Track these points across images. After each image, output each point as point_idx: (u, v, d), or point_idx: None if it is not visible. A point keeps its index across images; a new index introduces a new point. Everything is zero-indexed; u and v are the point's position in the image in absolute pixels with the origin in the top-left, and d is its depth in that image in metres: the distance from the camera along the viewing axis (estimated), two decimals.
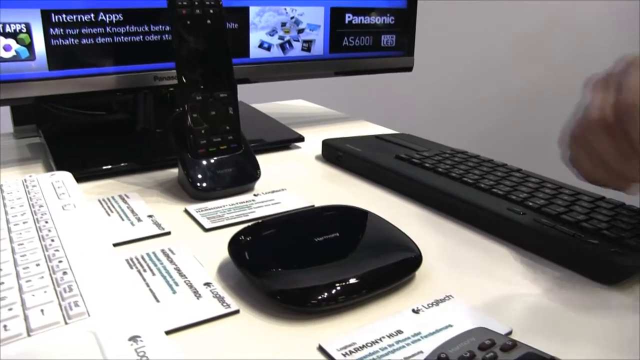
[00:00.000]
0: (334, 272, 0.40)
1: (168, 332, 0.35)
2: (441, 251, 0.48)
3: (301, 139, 0.75)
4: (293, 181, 0.63)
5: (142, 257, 0.44)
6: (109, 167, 0.63)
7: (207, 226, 0.50)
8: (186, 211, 0.54)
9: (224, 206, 0.54)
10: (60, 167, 0.59)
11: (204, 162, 0.57)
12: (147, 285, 0.40)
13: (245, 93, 0.89)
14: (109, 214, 0.52)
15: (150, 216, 0.52)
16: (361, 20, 0.81)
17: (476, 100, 1.71)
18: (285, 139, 0.75)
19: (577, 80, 0.49)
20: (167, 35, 0.67)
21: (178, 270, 0.42)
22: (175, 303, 0.38)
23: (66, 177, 0.55)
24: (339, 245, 0.43)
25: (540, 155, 1.76)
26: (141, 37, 0.66)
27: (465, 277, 0.44)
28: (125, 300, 0.35)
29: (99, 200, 0.55)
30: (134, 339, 0.31)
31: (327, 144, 0.70)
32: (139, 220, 0.51)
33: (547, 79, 1.84)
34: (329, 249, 0.42)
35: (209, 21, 0.57)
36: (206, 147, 0.57)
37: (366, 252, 0.43)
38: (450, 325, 0.38)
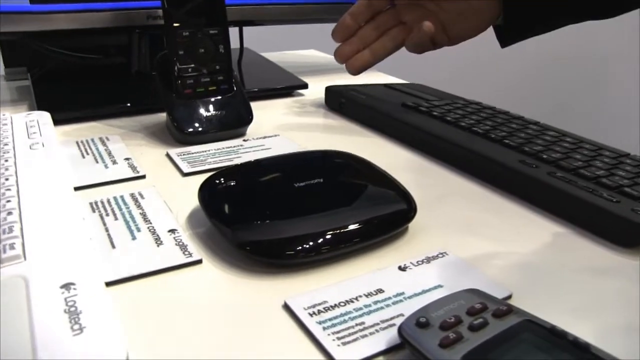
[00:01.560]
0: (313, 222, 0.36)
1: (117, 281, 0.32)
2: (440, 204, 0.43)
3: (304, 85, 0.70)
4: (289, 127, 0.58)
5: (108, 201, 0.40)
6: (93, 109, 0.58)
7: (185, 170, 0.46)
8: (167, 155, 0.50)
9: (208, 150, 0.50)
10: (41, 108, 0.56)
11: (191, 104, 0.53)
12: (107, 230, 0.36)
13: (256, 41, 0.84)
14: (83, 156, 0.48)
15: (127, 159, 0.48)
16: None
17: (504, 55, 1.61)
18: (287, 86, 0.70)
19: None
20: None
21: (144, 215, 0.38)
22: (132, 250, 0.35)
23: (43, 116, 0.51)
24: (322, 193, 0.38)
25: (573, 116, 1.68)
26: None
27: (465, 233, 0.39)
28: (71, 245, 0.31)
29: (77, 142, 0.52)
30: (66, 286, 0.27)
31: (330, 90, 0.65)
32: (114, 162, 0.47)
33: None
34: (310, 196, 0.38)
35: None
36: (193, 88, 0.53)
37: (352, 201, 0.38)
38: (440, 286, 0.33)
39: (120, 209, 0.39)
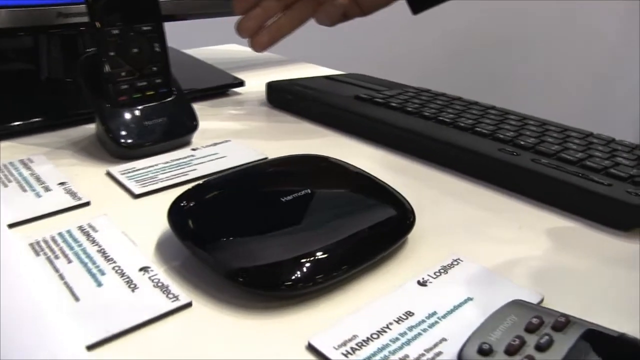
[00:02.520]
0: (314, 241, 0.31)
1: (93, 346, 0.25)
2: (429, 205, 0.39)
3: (241, 83, 0.64)
4: (237, 131, 0.53)
5: (53, 239, 0.33)
6: (3, 125, 0.49)
7: (136, 191, 0.39)
8: (109, 174, 0.43)
9: (156, 165, 0.44)
10: None
11: (127, 113, 0.46)
12: (61, 277, 0.30)
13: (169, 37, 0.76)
14: (5, 184, 0.40)
15: (62, 184, 0.40)
16: None
17: (425, 38, 1.62)
18: (222, 84, 0.64)
19: None
20: None
21: (103, 252, 0.32)
22: (101, 300, 0.28)
23: None
24: (312, 206, 0.34)
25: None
26: None
27: (467, 235, 0.36)
28: (24, 301, 0.24)
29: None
30: None
31: (272, 87, 0.60)
32: (47, 189, 0.39)
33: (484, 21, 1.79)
34: (300, 211, 0.33)
35: None
36: (129, 94, 0.46)
37: (348, 212, 0.34)
38: (470, 299, 0.29)
39: (72, 248, 0.32)
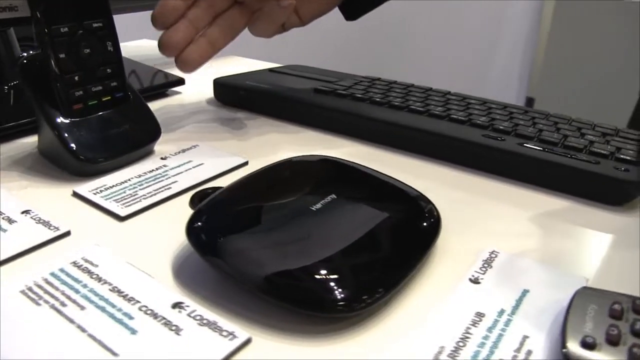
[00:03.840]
0: (358, 251, 0.28)
1: None
2: (433, 198, 0.37)
3: (181, 81, 0.59)
4: (198, 134, 0.48)
5: (47, 282, 0.28)
6: None
7: (121, 213, 0.35)
8: (77, 195, 0.37)
9: (129, 180, 0.39)
10: None
11: (85, 123, 0.40)
12: (82, 329, 0.25)
13: None
14: None
15: (25, 212, 0.34)
16: None
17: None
18: (162, 84, 0.58)
19: None
20: None
21: (118, 291, 0.27)
22: (145, 350, 0.24)
23: None
24: (343, 212, 0.31)
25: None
26: None
27: (484, 225, 0.36)
28: None
29: None
30: None
31: (221, 84, 0.56)
32: (10, 221, 0.33)
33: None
34: (332, 219, 0.30)
35: None
36: (84, 101, 0.40)
37: (380, 216, 0.32)
38: (527, 291, 0.29)
39: (77, 291, 0.27)
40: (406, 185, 0.35)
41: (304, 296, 0.26)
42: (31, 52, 0.40)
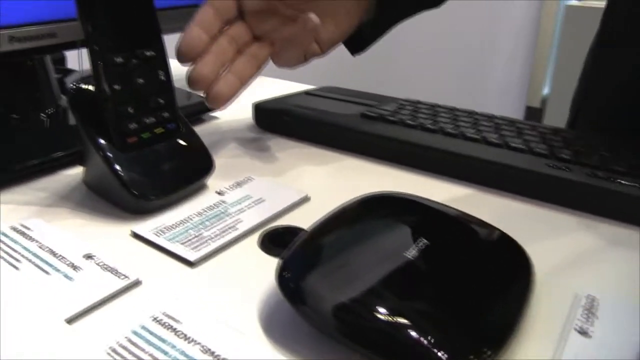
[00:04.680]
0: (466, 303, 0.27)
1: None
2: (511, 234, 0.36)
3: None
4: (248, 164, 0.46)
5: (132, 342, 0.26)
6: None
7: (192, 258, 0.32)
8: (136, 235, 0.35)
9: (190, 219, 0.37)
10: None
11: (140, 157, 0.38)
12: None
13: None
14: (15, 267, 0.31)
15: (88, 256, 0.32)
16: None
17: None
18: (200, 109, 0.56)
19: None
20: None
21: (210, 352, 0.25)
22: None
23: None
24: (440, 259, 0.29)
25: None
26: None
27: (564, 261, 0.34)
28: None
29: None
30: None
31: (261, 109, 0.54)
32: (75, 268, 0.31)
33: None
34: (432, 267, 0.29)
35: None
36: (137, 134, 0.38)
37: (478, 261, 0.30)
38: None
39: (166, 353, 0.25)
40: (488, 224, 0.34)
41: (411, 354, 0.24)
42: (81, 84, 0.38)
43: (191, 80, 0.42)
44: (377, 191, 0.36)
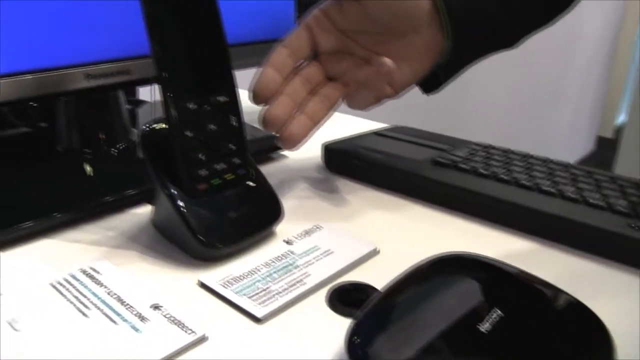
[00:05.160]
0: None
1: None
2: (587, 302, 0.33)
3: None
4: (316, 211, 0.46)
5: None
6: (39, 220, 0.40)
7: (259, 314, 0.32)
8: (203, 285, 0.35)
9: (258, 270, 0.36)
10: None
11: (209, 204, 0.38)
12: None
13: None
14: (84, 313, 0.31)
15: (155, 307, 0.32)
16: None
17: None
18: (268, 148, 0.56)
19: None
20: (97, 10, 0.45)
21: None
22: None
23: None
24: (515, 337, 0.27)
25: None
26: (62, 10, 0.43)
27: None
28: None
29: (54, 287, 0.34)
30: None
31: (332, 150, 0.54)
32: (142, 318, 0.31)
33: None
34: (505, 344, 0.27)
35: None
36: (208, 180, 0.38)
37: (555, 341, 0.28)
38: None
39: None
40: (565, 293, 0.31)
41: None
42: (154, 124, 0.39)
43: (265, 121, 0.42)
44: (449, 252, 0.34)
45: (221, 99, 0.39)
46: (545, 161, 0.52)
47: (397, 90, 0.47)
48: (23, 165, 0.48)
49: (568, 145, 2.52)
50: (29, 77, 0.42)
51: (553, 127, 2.33)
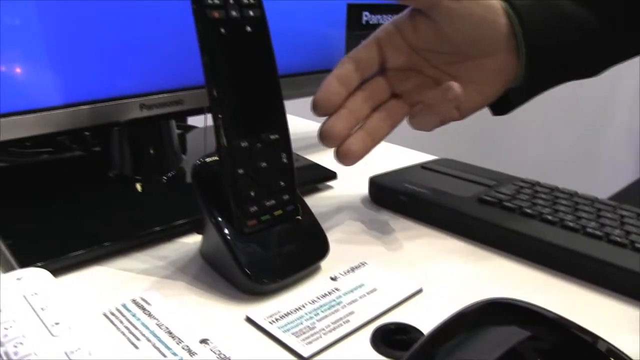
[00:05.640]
0: None
1: None
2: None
3: (334, 175, 0.57)
4: (362, 246, 0.46)
5: None
6: (90, 248, 0.42)
7: (305, 353, 0.32)
8: (250, 320, 0.35)
9: (304, 307, 0.37)
10: (23, 259, 0.38)
11: (258, 240, 0.39)
12: None
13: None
14: (135, 345, 0.32)
15: (204, 341, 0.33)
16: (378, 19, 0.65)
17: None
18: (315, 178, 0.57)
19: None
20: (152, 42, 0.47)
21: None
22: None
23: (40, 278, 0.35)
24: None
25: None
26: (118, 44, 0.45)
27: None
28: None
29: (106, 316, 0.35)
30: None
31: (377, 185, 0.54)
32: (190, 352, 0.32)
33: None
34: None
35: (248, 28, 0.38)
36: (257, 217, 0.39)
37: None
38: None
39: None
40: (613, 348, 0.31)
41: None
42: (206, 158, 0.40)
43: (323, 134, 0.42)
44: (492, 298, 0.34)
45: (272, 136, 0.40)
46: (593, 201, 0.51)
47: (463, 114, 0.45)
48: (76, 190, 0.50)
49: (616, 167, 2.46)
50: (85, 107, 0.44)
51: (602, 150, 2.28)
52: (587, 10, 0.44)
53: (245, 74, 0.38)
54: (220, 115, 0.37)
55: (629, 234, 0.44)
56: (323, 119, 0.43)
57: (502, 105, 0.48)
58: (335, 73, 0.42)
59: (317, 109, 0.42)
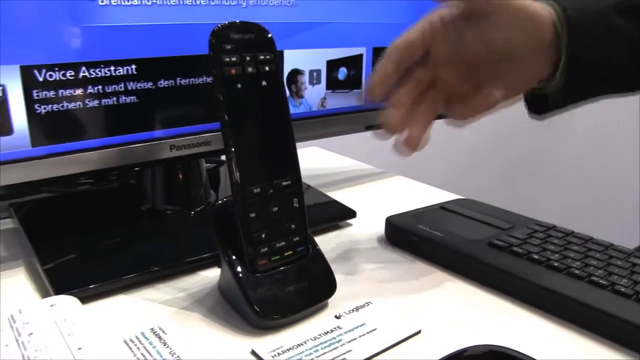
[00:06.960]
0: None
1: None
2: None
3: (353, 213, 0.60)
4: (370, 286, 0.48)
5: None
6: (117, 278, 0.46)
7: None
8: (254, 354, 0.38)
9: (305, 343, 0.39)
10: (59, 287, 0.43)
11: (268, 279, 0.42)
12: None
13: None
14: None
15: None
16: None
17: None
18: (334, 216, 0.60)
19: None
20: (184, 91, 0.51)
21: None
22: None
23: (69, 305, 0.39)
24: None
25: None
26: (155, 94, 0.49)
27: None
28: None
29: (126, 343, 0.39)
30: None
31: (393, 225, 0.56)
32: None
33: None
34: None
35: (264, 83, 0.42)
36: (268, 257, 0.42)
37: None
38: None
39: None
40: None
41: None
42: (225, 199, 0.43)
43: (385, 123, 0.44)
44: (485, 344, 0.36)
45: (285, 182, 0.43)
46: (607, 247, 0.52)
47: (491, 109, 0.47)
48: (111, 222, 0.55)
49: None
50: (116, 149, 0.48)
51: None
52: (635, 23, 0.45)
53: (259, 125, 0.42)
54: (234, 163, 0.40)
55: (636, 284, 0.45)
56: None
57: (541, 107, 0.50)
58: (388, 53, 0.45)
59: (372, 93, 0.45)
